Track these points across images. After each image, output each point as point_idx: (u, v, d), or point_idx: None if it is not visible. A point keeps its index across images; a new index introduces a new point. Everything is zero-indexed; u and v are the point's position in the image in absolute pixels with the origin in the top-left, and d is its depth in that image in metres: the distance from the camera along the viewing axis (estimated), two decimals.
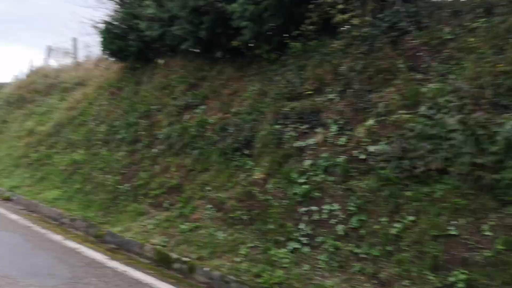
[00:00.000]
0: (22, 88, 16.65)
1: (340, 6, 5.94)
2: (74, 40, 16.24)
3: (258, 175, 5.86)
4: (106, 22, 10.57)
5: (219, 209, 5.99)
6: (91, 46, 14.64)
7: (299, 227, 4.96)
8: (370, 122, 5.12)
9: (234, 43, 7.46)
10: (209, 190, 6.36)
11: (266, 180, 5.73)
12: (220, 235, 5.52)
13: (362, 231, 4.53)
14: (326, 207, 4.90)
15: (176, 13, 8.29)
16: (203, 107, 7.86)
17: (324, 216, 4.87)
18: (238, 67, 8.01)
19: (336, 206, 4.84)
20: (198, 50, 9.04)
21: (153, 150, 8.00)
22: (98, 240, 6.58)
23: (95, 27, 10.90)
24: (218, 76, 8.21)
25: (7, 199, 9.61)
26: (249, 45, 7.62)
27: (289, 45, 6.69)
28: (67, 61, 17.07)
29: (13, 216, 7.82)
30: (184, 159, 7.32)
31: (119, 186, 7.75)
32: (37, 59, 29.90)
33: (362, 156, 4.97)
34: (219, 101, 7.67)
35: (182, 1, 7.96)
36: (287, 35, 6.89)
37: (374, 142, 4.97)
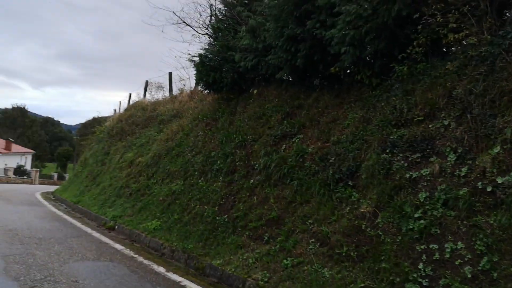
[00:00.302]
0: (122, 121, 17.67)
1: (453, 25, 5.48)
2: (170, 74, 17.00)
3: (365, 208, 5.47)
4: (200, 55, 10.86)
5: (323, 244, 5.66)
6: (186, 79, 15.20)
7: (418, 267, 4.48)
8: (496, 150, 4.56)
9: (332, 69, 7.23)
10: (311, 223, 6.07)
11: (375, 214, 5.32)
12: (326, 272, 5.18)
13: (495, 274, 3.96)
14: (448, 245, 4.39)
15: (271, 43, 8.27)
16: (300, 136, 7.65)
17: (447, 255, 4.36)
18: (336, 94, 7.74)
19: (460, 245, 4.31)
20: (293, 79, 8.94)
21: (251, 180, 7.90)
22: (199, 273, 6.52)
23: (191, 60, 11.26)
24: (315, 104, 7.99)
25: (111, 228, 10.01)
26: (348, 71, 7.36)
27: (394, 69, 6.30)
28: (163, 94, 17.90)
29: (118, 246, 8.05)
30: (283, 190, 7.11)
31: (217, 217, 7.71)
32: (134, 94, 31.93)
33: (489, 188, 4.41)
34: (317, 130, 7.42)
35: (278, 30, 7.92)
36: (391, 58, 6.51)
37: (503, 172, 4.40)
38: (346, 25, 6.47)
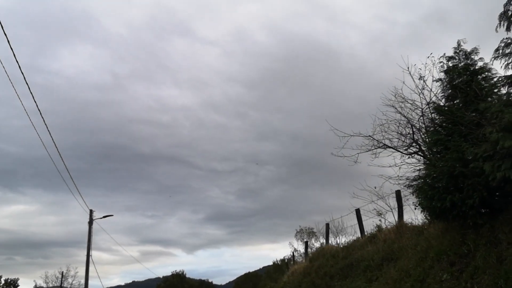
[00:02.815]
0: (310, 274, 15.52)
1: None
2: (357, 211, 14.93)
3: None
4: (426, 176, 8.70)
5: None
6: (384, 213, 12.97)
7: None
8: None
9: None
10: None
11: None
12: None
13: None
14: None
15: None
16: None
17: None
18: None
19: None
20: None
21: None
22: None
23: (409, 186, 9.14)
24: None
25: None
26: None
27: None
28: (349, 237, 15.67)
29: None
30: None
31: None
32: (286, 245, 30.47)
33: None
34: None
35: None
36: None
37: None
38: None
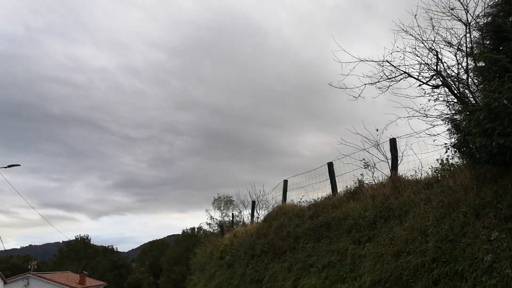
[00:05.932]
0: (267, 235, 13.28)
1: None
2: (330, 165, 12.83)
3: None
4: (476, 109, 6.66)
5: None
6: (371, 165, 10.97)
7: None
8: None
9: None
10: None
11: None
12: None
13: None
14: None
15: None
16: None
17: None
18: None
19: None
20: None
21: None
22: None
23: (450, 120, 7.07)
24: None
25: None
26: None
27: None
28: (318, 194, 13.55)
29: None
30: None
31: None
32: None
33: None
34: None
35: None
36: None
37: None
38: None
